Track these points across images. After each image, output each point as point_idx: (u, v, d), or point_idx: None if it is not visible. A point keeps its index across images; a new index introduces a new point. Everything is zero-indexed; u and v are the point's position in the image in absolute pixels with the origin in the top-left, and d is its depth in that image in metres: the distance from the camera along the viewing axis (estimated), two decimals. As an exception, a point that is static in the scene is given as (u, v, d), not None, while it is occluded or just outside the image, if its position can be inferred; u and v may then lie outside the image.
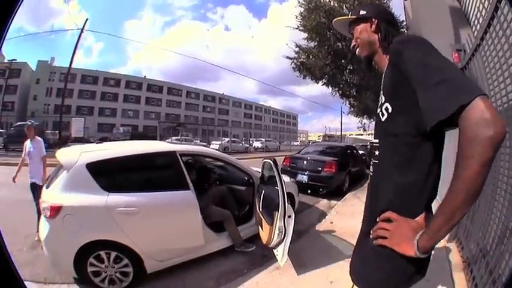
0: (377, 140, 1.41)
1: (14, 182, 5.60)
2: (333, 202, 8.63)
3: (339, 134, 68.03)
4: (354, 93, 17.58)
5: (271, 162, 4.08)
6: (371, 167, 1.47)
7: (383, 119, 1.32)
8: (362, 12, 1.61)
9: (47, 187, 4.00)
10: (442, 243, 4.42)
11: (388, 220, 1.25)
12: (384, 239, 1.23)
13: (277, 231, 3.70)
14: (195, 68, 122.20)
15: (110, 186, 3.76)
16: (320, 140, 71.31)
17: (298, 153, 11.79)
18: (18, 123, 28.18)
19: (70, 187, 3.64)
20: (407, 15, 15.14)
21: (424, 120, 1.07)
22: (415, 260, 1.15)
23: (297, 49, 15.95)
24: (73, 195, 3.59)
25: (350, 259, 1.55)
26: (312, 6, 13.91)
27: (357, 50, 1.65)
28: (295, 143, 61.62)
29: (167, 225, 4.03)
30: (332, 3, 14.02)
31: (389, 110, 1.28)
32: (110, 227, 3.59)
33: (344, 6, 13.83)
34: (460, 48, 4.33)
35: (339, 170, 9.58)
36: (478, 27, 3.78)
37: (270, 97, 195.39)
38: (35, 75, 57.79)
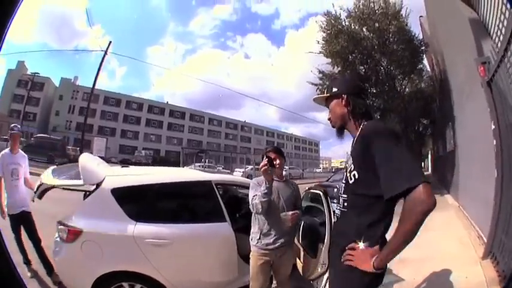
0: (345, 195, 1.88)
1: (5, 218, 4.20)
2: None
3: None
4: (378, 117, 17.57)
5: (321, 193, 3.76)
6: (338, 211, 2.01)
7: (351, 182, 1.80)
8: (334, 89, 2.04)
9: None
10: (476, 262, 4.41)
11: (353, 249, 1.75)
12: (351, 261, 1.73)
13: (321, 263, 3.68)
14: (216, 96, 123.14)
15: (138, 215, 3.53)
16: (342, 166, 70.37)
17: (327, 180, 11.73)
18: (39, 134, 28.97)
19: (92, 212, 3.50)
20: (425, 32, 15.23)
21: (382, 191, 1.57)
22: (367, 274, 1.68)
23: (321, 75, 16.12)
24: (95, 221, 3.42)
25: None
26: (336, 31, 14.18)
27: (331, 122, 2.08)
28: (318, 170, 61.04)
29: (201, 259, 3.78)
30: (353, 27, 14.33)
31: (356, 177, 1.76)
32: (136, 258, 3.38)
33: (365, 29, 14.14)
34: (485, 61, 4.29)
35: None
36: (501, 39, 3.84)
37: (291, 124, 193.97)
38: (58, 92, 58.80)
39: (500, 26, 4.03)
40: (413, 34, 15.09)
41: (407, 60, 14.73)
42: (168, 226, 3.60)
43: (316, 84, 16.22)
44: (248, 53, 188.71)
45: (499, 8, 4.03)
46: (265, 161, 3.05)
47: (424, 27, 15.71)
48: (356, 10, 14.24)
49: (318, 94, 2.24)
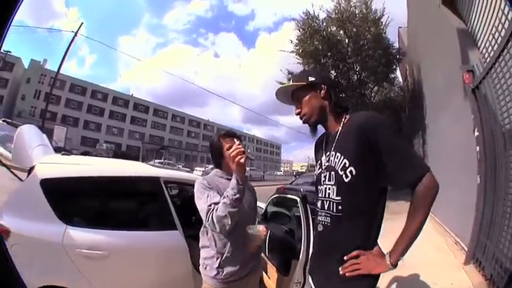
0: (339, 197, 1.59)
1: None
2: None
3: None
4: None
5: (299, 200, 3.18)
6: (326, 218, 1.66)
7: (347, 180, 1.55)
8: (311, 78, 1.77)
9: None
10: (459, 267, 4.41)
11: (355, 257, 1.55)
12: (358, 269, 1.52)
13: (295, 281, 2.99)
14: (182, 92, 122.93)
15: (70, 216, 2.76)
16: (303, 170, 70.92)
17: (290, 184, 11.67)
18: (2, 119, 26.98)
19: (21, 206, 2.73)
20: (402, 42, 15.55)
21: (392, 180, 1.53)
22: (373, 277, 1.55)
23: (290, 76, 15.86)
24: (23, 220, 2.65)
25: None
26: (312, 31, 14.07)
27: (305, 117, 1.77)
28: (279, 173, 61.66)
29: (145, 275, 3.02)
30: (330, 29, 14.26)
31: (354, 173, 1.53)
32: (68, 272, 2.66)
33: (342, 32, 14.09)
34: (470, 69, 4.40)
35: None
36: (490, 48, 3.93)
37: (254, 126, 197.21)
38: (27, 74, 55.83)
39: (494, 31, 4.01)
40: (390, 42, 15.27)
41: (382, 66, 14.80)
42: (104, 233, 2.81)
43: (283, 84, 15.83)
44: (218, 51, 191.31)
45: (494, 16, 4.02)
46: (237, 145, 2.07)
47: (402, 38, 16.09)
48: (336, 12, 14.14)
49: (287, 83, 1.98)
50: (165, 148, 44.88)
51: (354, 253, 1.54)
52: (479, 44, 4.62)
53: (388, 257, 1.51)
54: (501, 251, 3.45)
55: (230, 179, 2.12)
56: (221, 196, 2.09)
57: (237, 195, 1.99)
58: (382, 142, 1.49)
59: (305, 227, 2.97)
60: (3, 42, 1.22)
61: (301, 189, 9.84)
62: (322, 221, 1.70)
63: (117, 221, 3.10)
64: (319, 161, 1.79)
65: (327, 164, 1.68)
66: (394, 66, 15.77)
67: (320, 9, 14.29)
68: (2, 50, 47.67)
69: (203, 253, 2.33)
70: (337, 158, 1.61)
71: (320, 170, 1.76)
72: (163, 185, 3.29)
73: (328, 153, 1.70)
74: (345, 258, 1.55)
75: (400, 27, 16.96)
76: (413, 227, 1.46)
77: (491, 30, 4.05)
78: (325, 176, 1.68)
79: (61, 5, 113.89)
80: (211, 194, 2.14)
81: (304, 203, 3.11)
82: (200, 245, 2.39)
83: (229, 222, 1.97)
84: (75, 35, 20.03)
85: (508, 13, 3.50)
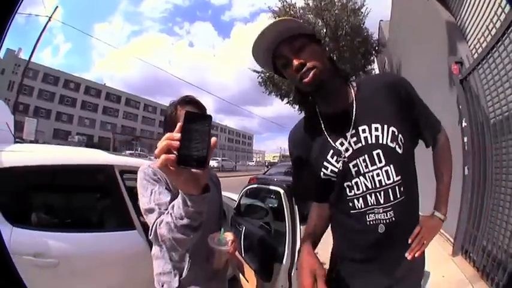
0: (399, 177, 1.23)
1: None
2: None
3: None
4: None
5: (282, 192, 2.68)
6: (385, 214, 1.25)
7: (401, 152, 1.25)
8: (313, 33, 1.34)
9: None
10: (448, 260, 4.36)
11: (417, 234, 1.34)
12: (423, 245, 1.33)
13: (279, 287, 2.54)
14: (155, 82, 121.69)
15: (16, 216, 2.22)
16: (276, 160, 70.79)
17: (263, 174, 11.55)
18: None
19: None
20: (383, 36, 15.57)
21: (427, 133, 1.43)
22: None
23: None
24: None
25: None
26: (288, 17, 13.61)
27: (316, 70, 1.20)
28: (251, 163, 61.88)
29: (102, 285, 2.46)
30: (307, 17, 13.94)
31: (403, 141, 1.27)
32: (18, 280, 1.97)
33: (320, 21, 13.79)
34: (458, 61, 4.46)
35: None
36: (480, 41, 3.98)
37: (226, 116, 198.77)
38: (1, 65, 52.15)
39: (486, 25, 4.00)
40: (370, 33, 15.03)
41: (360, 55, 14.46)
42: (52, 236, 2.26)
43: (258, 72, 15.96)
44: (193, 41, 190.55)
45: (488, 10, 4.05)
46: (170, 136, 0.92)
47: (382, 31, 15.96)
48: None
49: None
50: (137, 139, 44.12)
51: (416, 231, 1.30)
52: (468, 38, 4.70)
53: (439, 213, 1.41)
54: (492, 242, 3.49)
55: None
56: (172, 192, 1.42)
57: (184, 221, 1.08)
58: (414, 96, 1.35)
59: (290, 226, 2.52)
60: (3, 42, 1.15)
61: (275, 179, 9.68)
62: (381, 220, 1.27)
63: (66, 220, 2.64)
64: (333, 150, 1.32)
65: (359, 145, 1.27)
66: (372, 58, 15.56)
67: None
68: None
69: (156, 266, 1.66)
70: (377, 131, 1.26)
71: (343, 160, 1.30)
72: (118, 175, 2.68)
73: (353, 131, 1.28)
74: (409, 241, 1.29)
75: (381, 20, 16.79)
76: (448, 176, 1.46)
77: (483, 24, 4.08)
78: (362, 162, 1.27)
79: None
80: (156, 190, 1.41)
81: (289, 196, 2.64)
82: (152, 252, 1.72)
83: (179, 249, 1.24)
84: (49, 19, 19.22)
85: (505, 7, 3.49)
